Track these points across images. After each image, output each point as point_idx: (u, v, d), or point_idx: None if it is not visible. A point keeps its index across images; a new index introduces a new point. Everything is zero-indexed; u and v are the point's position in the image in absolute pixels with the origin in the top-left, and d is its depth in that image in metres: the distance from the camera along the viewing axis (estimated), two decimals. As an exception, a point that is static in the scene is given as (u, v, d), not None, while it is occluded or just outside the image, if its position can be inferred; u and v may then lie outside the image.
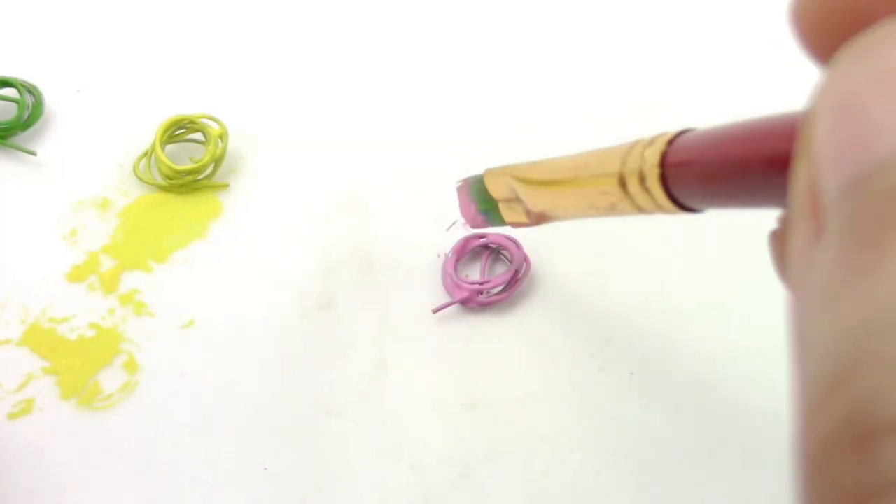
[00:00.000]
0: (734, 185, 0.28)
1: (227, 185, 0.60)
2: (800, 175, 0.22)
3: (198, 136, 0.61)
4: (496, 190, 0.47)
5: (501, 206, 0.48)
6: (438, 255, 0.57)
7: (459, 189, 0.51)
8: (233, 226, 0.58)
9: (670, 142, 0.32)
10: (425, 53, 0.66)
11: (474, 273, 0.57)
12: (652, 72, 0.65)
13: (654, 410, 0.52)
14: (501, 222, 0.49)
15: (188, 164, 0.59)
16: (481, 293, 0.55)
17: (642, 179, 0.34)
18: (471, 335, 0.55)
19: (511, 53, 0.66)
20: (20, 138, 0.61)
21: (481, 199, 0.49)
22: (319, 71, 0.65)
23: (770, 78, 0.65)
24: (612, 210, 0.38)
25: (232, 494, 0.50)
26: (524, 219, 0.46)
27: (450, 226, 0.57)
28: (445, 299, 0.55)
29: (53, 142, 0.61)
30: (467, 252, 0.57)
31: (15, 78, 0.61)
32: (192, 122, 0.60)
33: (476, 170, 0.50)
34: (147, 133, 0.61)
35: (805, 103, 0.22)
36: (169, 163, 0.58)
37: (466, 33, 0.67)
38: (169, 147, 0.60)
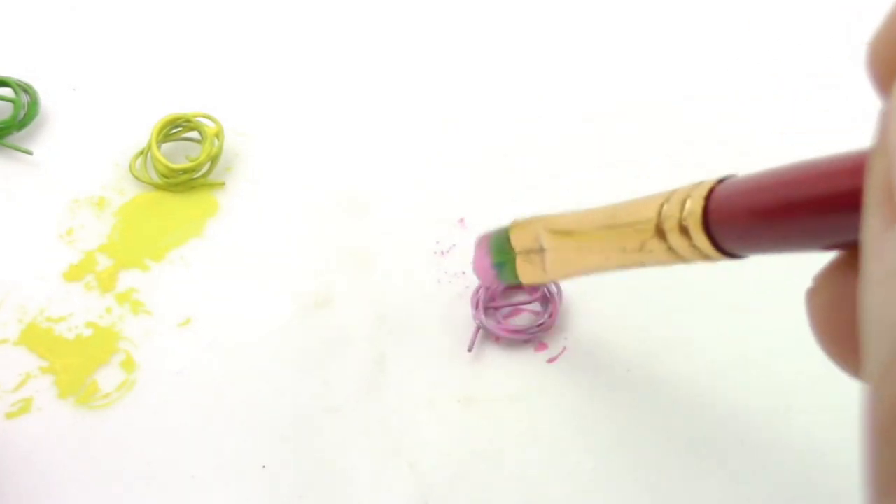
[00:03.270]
0: (785, 229, 0.29)
1: (224, 184, 0.60)
2: (876, 168, 0.24)
3: (193, 134, 0.61)
4: (519, 241, 0.47)
5: (519, 259, 0.47)
6: (435, 253, 0.57)
7: (479, 241, 0.50)
8: (230, 224, 0.58)
9: (711, 190, 0.33)
10: (423, 51, 0.66)
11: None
12: (651, 70, 0.66)
13: (652, 406, 0.52)
14: (513, 278, 0.48)
15: (184, 163, 0.59)
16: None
17: (683, 229, 0.34)
18: (468, 332, 0.55)
19: (510, 51, 0.66)
20: (16, 137, 0.61)
21: (498, 251, 0.48)
22: (316, 68, 0.65)
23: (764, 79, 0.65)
24: (642, 258, 0.38)
25: (230, 492, 0.50)
26: (539, 272, 0.46)
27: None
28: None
29: (49, 141, 0.61)
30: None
31: (10, 77, 0.61)
32: (187, 120, 0.60)
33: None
34: (143, 132, 0.61)
35: (882, 107, 0.24)
36: (165, 161, 0.58)
37: (466, 31, 0.67)
38: (165, 146, 0.60)
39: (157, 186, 0.59)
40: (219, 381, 0.53)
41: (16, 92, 0.61)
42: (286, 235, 0.58)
